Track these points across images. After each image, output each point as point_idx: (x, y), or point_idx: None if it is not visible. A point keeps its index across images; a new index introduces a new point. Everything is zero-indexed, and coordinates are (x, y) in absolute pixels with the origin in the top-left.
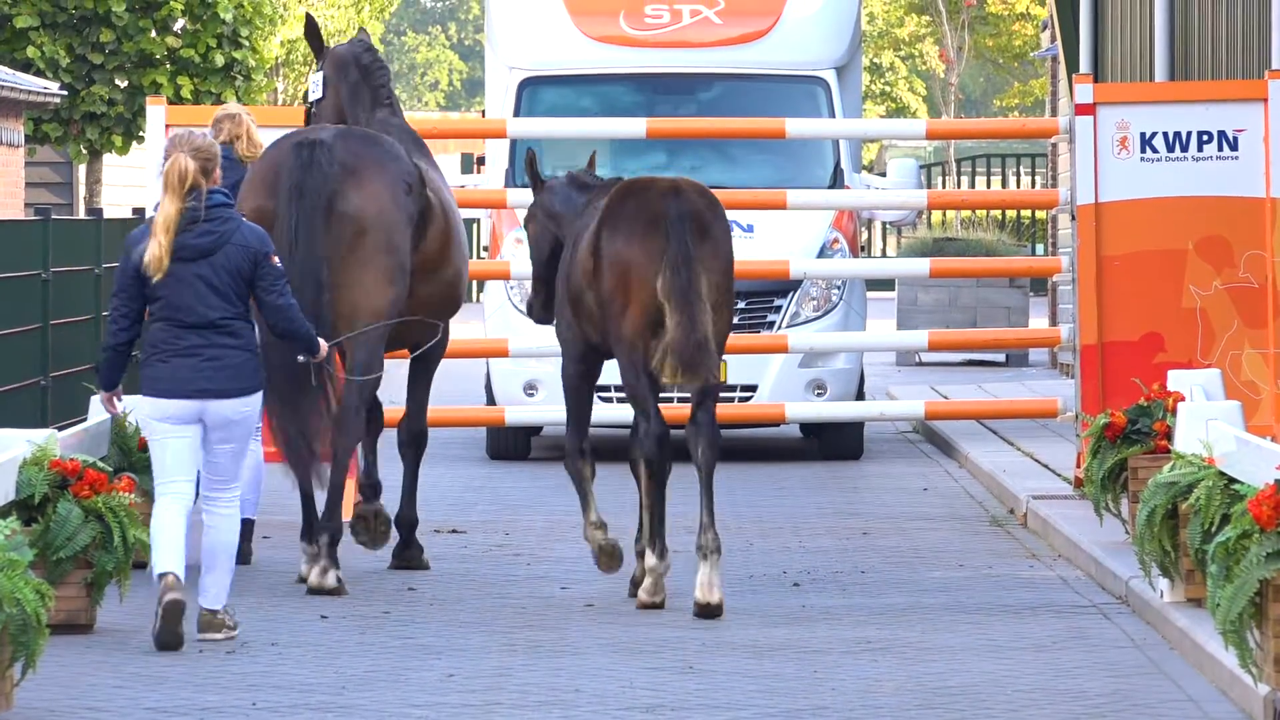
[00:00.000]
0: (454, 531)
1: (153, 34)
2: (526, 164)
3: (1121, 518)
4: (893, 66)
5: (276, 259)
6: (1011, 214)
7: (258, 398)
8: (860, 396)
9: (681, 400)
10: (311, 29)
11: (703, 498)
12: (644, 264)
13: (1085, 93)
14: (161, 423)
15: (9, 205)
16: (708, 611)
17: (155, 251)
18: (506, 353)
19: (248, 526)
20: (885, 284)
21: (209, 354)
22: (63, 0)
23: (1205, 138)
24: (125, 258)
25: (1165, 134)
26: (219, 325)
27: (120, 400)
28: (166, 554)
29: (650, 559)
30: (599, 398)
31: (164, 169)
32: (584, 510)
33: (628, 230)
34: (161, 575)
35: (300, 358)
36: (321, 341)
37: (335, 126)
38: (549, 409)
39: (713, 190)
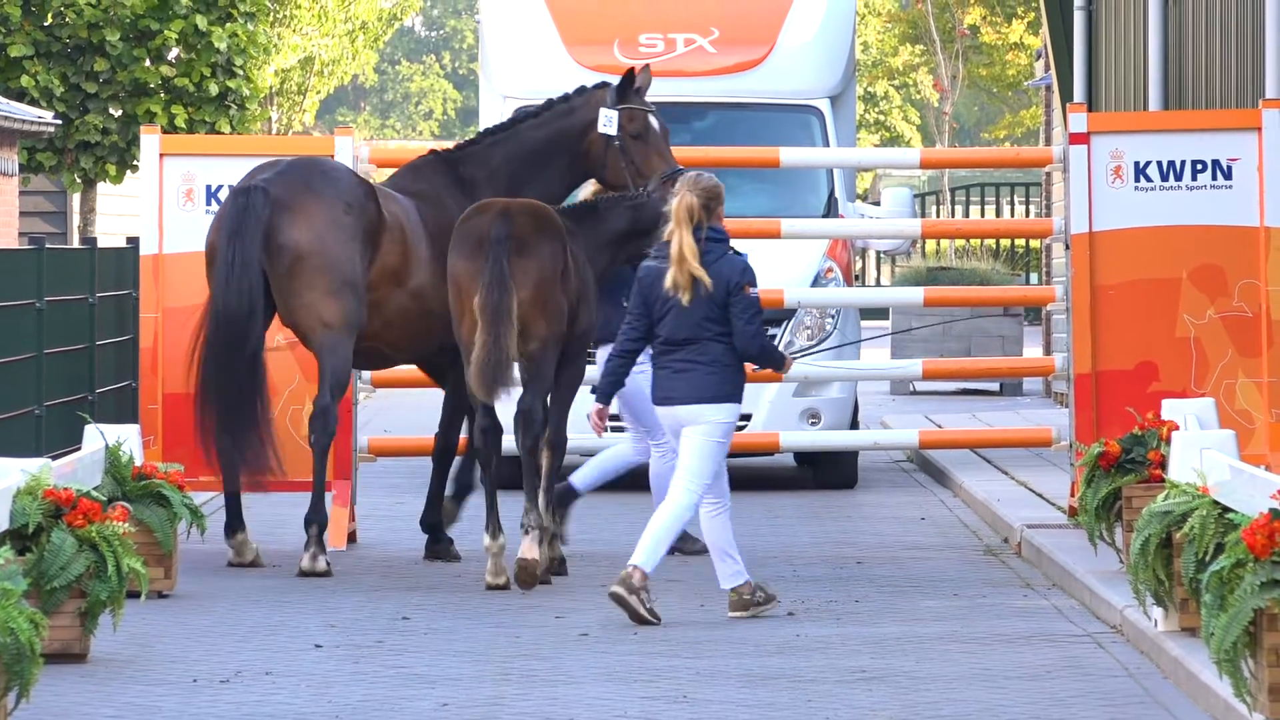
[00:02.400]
0: (449, 560)
1: (147, 63)
2: None
3: (1116, 547)
4: (887, 96)
5: (751, 289)
6: (1006, 243)
7: (721, 407)
8: (855, 425)
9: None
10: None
11: (526, 481)
12: (468, 282)
13: (1079, 122)
14: (666, 430)
15: (3, 234)
16: (522, 570)
17: (676, 278)
18: None
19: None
20: (879, 313)
21: (678, 367)
22: (57, 29)
23: (1199, 167)
24: (637, 282)
25: (1159, 163)
26: (690, 343)
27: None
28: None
29: (485, 539)
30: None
31: (674, 205)
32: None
33: (459, 250)
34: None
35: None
36: (787, 358)
37: (281, 163)
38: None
39: None
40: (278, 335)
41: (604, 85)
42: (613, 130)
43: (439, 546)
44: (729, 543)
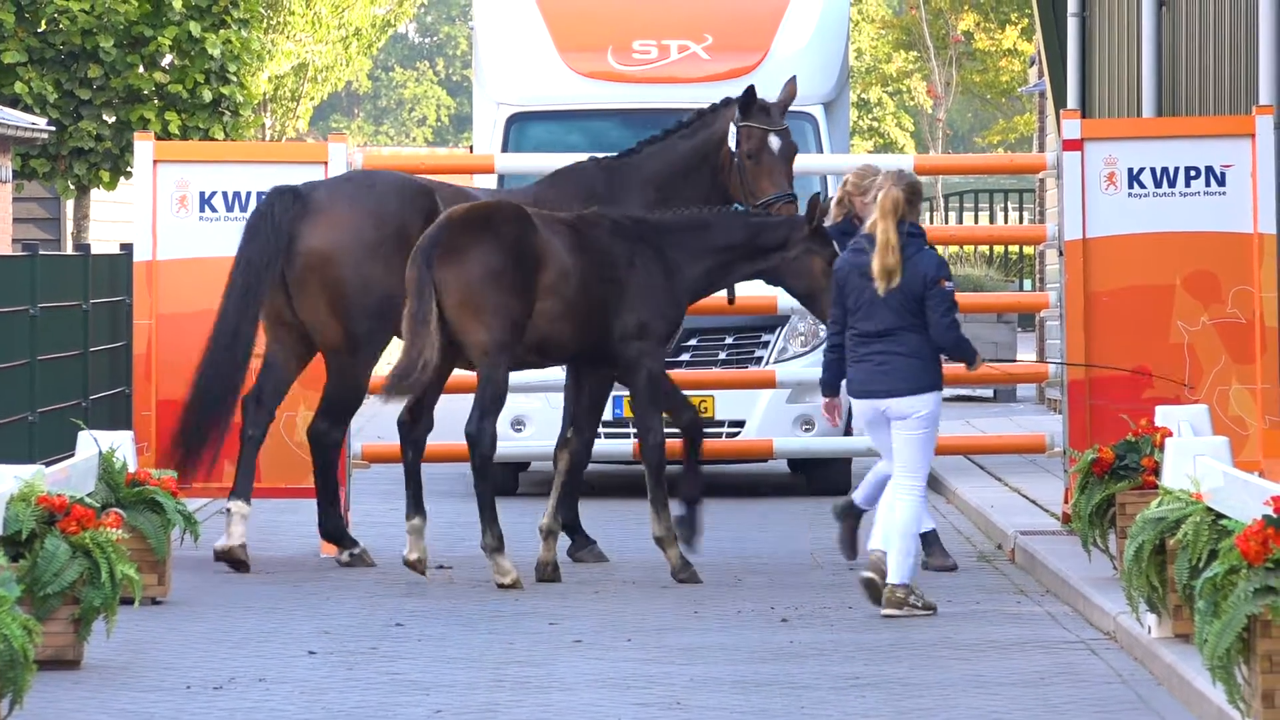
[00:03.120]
0: (441, 567)
1: (140, 70)
2: None
3: (1109, 553)
4: (880, 102)
5: (947, 283)
6: (999, 249)
7: (927, 397)
8: (848, 432)
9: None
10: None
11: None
12: (403, 289)
13: (1073, 128)
14: (858, 421)
15: None
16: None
17: (879, 267)
18: None
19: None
20: None
21: (877, 360)
22: (51, 36)
23: (1193, 173)
24: (833, 277)
25: (1153, 169)
26: (889, 334)
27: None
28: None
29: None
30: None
31: (879, 198)
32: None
33: (410, 257)
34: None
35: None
36: (978, 353)
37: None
38: (536, 444)
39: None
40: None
41: (741, 97)
42: (733, 146)
43: (582, 550)
44: (914, 534)
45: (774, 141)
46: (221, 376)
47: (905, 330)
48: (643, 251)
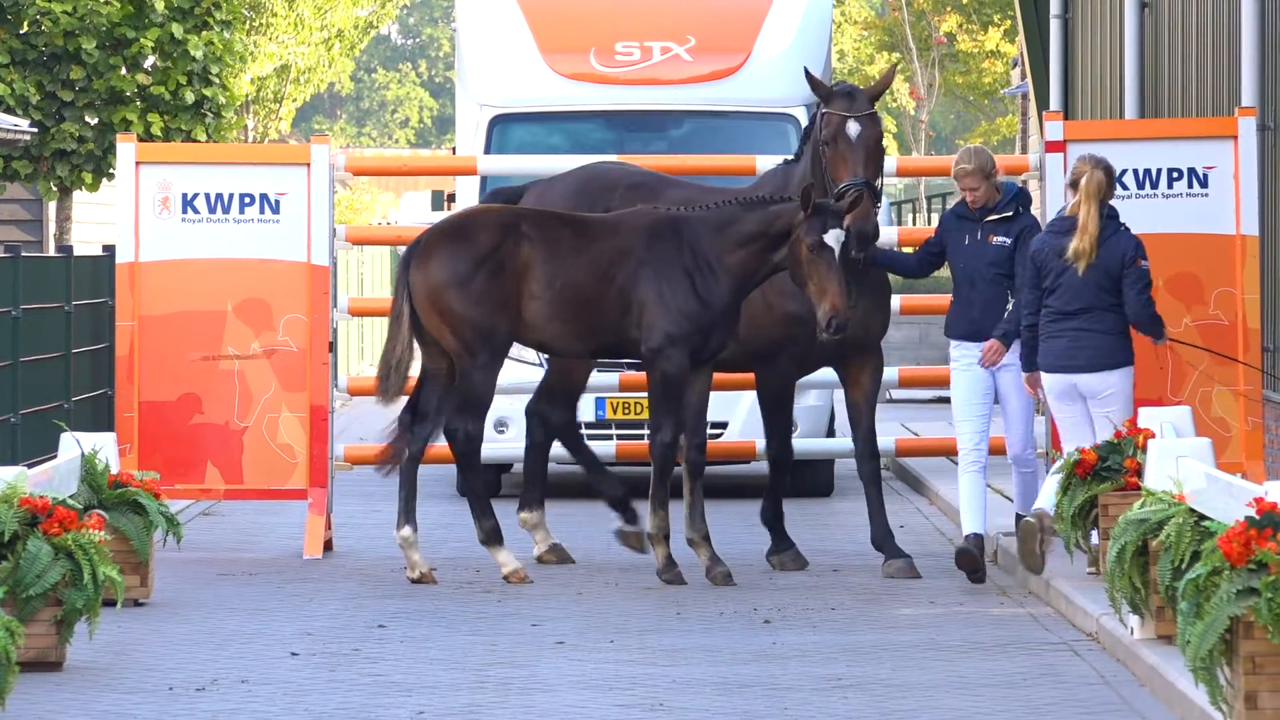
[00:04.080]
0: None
1: (123, 71)
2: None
3: (1092, 554)
4: None
5: (1143, 263)
6: None
7: (1121, 372)
8: (831, 434)
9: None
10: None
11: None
12: None
13: (1055, 130)
14: (1048, 394)
15: None
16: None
17: (1078, 247)
18: None
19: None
20: None
21: (1071, 336)
22: (33, 38)
23: (1175, 175)
24: (1030, 257)
25: (1135, 171)
26: (1084, 312)
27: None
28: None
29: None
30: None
31: (1084, 180)
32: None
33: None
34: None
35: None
36: (1167, 329)
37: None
38: (519, 446)
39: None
40: (253, 343)
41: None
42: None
43: (785, 552)
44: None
45: (851, 128)
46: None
47: (1101, 309)
48: (662, 250)
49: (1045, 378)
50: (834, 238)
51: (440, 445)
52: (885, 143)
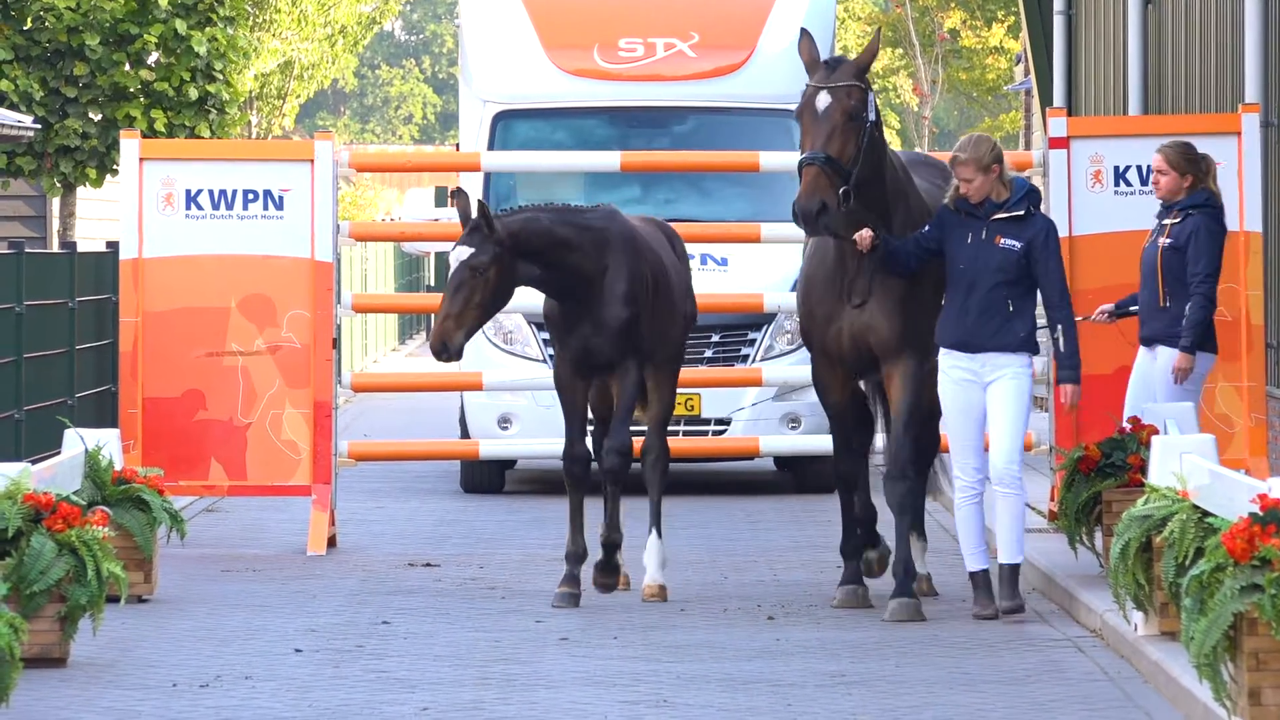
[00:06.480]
0: (427, 565)
1: (126, 68)
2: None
3: (1096, 551)
4: None
5: None
6: None
7: (1206, 356)
8: None
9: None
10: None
11: None
12: None
13: (1059, 126)
14: (1195, 378)
15: None
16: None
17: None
18: (480, 386)
19: None
20: None
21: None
22: (36, 34)
23: None
24: (1218, 239)
25: (1139, 167)
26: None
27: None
28: None
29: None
30: None
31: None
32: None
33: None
34: None
35: None
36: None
37: None
38: (523, 442)
39: (686, 222)
40: (257, 339)
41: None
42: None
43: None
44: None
45: (821, 100)
46: None
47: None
48: (624, 260)
49: (1203, 359)
50: (453, 255)
51: (441, 441)
52: (887, 139)
